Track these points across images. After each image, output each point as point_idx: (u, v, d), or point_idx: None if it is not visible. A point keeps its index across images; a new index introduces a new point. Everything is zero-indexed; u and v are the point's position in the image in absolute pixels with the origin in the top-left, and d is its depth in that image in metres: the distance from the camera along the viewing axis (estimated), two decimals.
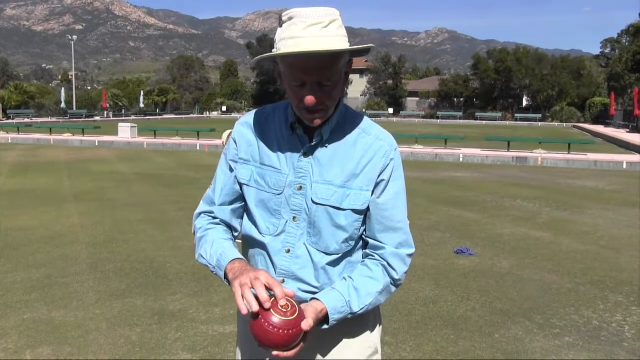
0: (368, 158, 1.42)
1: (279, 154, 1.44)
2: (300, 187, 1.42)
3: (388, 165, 1.43)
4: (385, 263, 1.45)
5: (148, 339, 3.52)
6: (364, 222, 1.45)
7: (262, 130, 1.47)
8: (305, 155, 1.42)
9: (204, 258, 1.43)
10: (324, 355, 1.48)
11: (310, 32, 1.28)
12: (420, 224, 6.95)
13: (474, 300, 4.30)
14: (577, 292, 4.52)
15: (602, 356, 3.37)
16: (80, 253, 5.50)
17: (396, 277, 1.45)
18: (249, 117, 1.51)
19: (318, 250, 1.43)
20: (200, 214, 1.54)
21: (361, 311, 1.41)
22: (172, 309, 4.04)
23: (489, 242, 6.15)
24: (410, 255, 1.49)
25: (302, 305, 1.30)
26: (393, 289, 1.48)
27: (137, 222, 6.92)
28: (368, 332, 1.53)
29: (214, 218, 1.51)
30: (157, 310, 4.01)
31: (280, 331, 1.19)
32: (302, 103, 1.34)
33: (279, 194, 1.43)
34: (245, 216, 1.51)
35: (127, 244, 5.88)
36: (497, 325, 3.82)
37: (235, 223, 1.52)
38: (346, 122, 1.45)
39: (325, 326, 1.38)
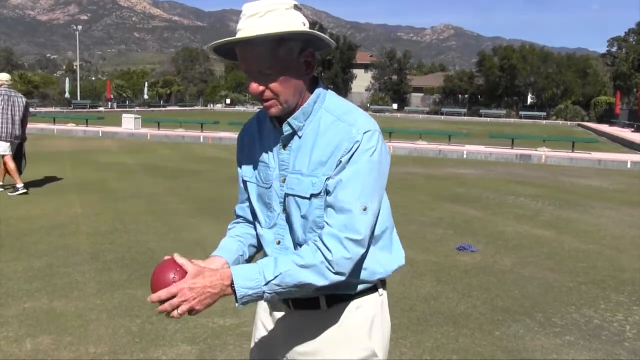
0: (335, 144, 1.37)
1: (267, 149, 1.48)
2: (284, 179, 1.44)
3: (352, 148, 1.35)
4: (319, 242, 1.34)
5: (148, 330, 3.53)
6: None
7: (258, 129, 1.54)
8: (284, 147, 1.44)
9: None
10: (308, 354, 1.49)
11: (247, 23, 1.33)
12: (423, 220, 6.94)
13: (475, 297, 4.29)
14: (578, 291, 4.50)
15: (602, 355, 3.36)
16: (82, 243, 5.50)
17: (330, 257, 1.32)
18: (250, 120, 1.59)
19: (294, 242, 1.45)
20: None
21: (276, 280, 1.30)
22: None
23: (491, 239, 6.13)
24: (351, 240, 1.33)
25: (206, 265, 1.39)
26: (329, 274, 1.33)
27: (139, 213, 6.92)
28: (357, 337, 1.48)
29: (237, 217, 1.64)
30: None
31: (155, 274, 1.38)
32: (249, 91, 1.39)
33: (268, 188, 1.47)
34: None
35: (128, 234, 5.88)
36: (497, 323, 3.81)
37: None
38: (322, 111, 1.43)
39: (236, 302, 1.31)
